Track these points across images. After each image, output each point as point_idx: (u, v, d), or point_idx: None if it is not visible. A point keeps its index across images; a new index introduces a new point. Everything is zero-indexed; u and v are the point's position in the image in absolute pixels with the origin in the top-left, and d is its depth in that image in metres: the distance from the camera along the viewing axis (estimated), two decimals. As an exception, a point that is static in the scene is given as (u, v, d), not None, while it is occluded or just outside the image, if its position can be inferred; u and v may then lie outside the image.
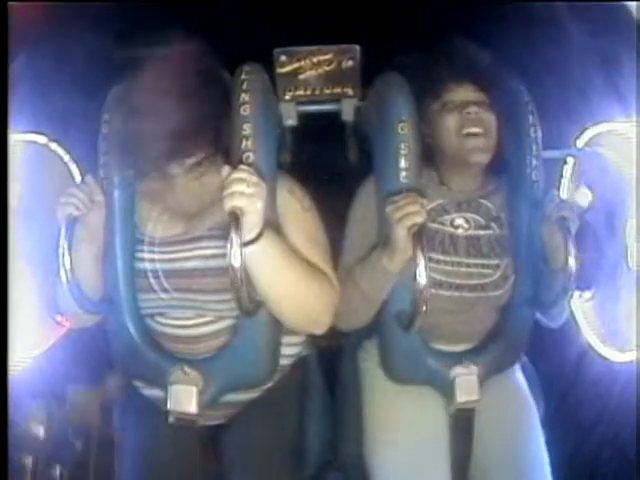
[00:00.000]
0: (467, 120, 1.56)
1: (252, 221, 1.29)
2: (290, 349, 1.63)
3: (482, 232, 1.63)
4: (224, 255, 1.27)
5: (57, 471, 1.91)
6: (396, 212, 1.40)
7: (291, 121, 1.86)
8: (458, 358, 1.62)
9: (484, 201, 1.65)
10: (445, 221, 1.61)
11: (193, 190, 1.50)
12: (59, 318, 1.83)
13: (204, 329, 1.51)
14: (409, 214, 1.39)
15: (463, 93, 1.59)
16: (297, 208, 1.51)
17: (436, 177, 1.64)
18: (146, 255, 1.51)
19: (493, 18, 1.83)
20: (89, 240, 1.48)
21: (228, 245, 1.24)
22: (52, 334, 1.90)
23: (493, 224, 1.64)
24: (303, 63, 1.88)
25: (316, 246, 1.50)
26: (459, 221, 1.62)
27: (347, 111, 1.86)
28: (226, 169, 1.31)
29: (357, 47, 1.83)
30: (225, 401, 1.56)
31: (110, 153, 1.51)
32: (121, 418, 1.69)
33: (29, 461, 1.85)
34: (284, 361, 1.61)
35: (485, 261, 1.61)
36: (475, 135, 1.56)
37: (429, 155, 1.61)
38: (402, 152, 1.51)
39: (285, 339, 1.58)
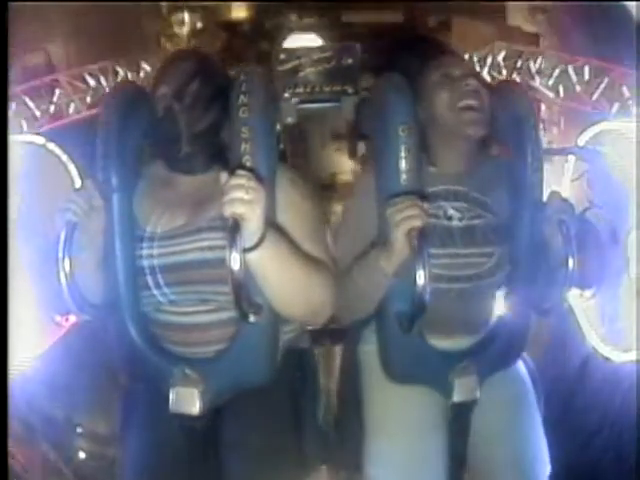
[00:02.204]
0: (464, 93, 1.55)
1: (252, 227, 1.28)
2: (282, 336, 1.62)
3: (475, 221, 1.62)
4: (222, 247, 1.27)
5: (57, 470, 1.92)
6: (395, 215, 1.40)
7: (291, 119, 1.85)
8: (457, 358, 1.62)
9: (471, 190, 1.63)
10: (439, 213, 1.60)
11: (196, 182, 1.53)
12: (58, 319, 1.82)
13: (208, 317, 1.50)
14: (408, 217, 1.39)
15: (462, 66, 1.59)
16: (297, 197, 1.50)
17: (425, 158, 1.62)
18: (145, 252, 1.50)
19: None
20: (89, 245, 1.47)
21: (227, 252, 1.24)
22: (52, 335, 1.90)
23: (483, 212, 1.63)
24: (303, 61, 1.87)
25: (315, 236, 1.50)
26: (451, 212, 1.61)
27: (347, 109, 1.85)
28: (224, 175, 1.30)
29: (357, 45, 1.82)
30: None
31: (109, 156, 1.50)
32: (123, 417, 1.69)
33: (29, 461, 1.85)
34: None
35: (479, 250, 1.60)
36: (471, 108, 1.55)
37: (421, 135, 1.59)
38: (402, 154, 1.50)
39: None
